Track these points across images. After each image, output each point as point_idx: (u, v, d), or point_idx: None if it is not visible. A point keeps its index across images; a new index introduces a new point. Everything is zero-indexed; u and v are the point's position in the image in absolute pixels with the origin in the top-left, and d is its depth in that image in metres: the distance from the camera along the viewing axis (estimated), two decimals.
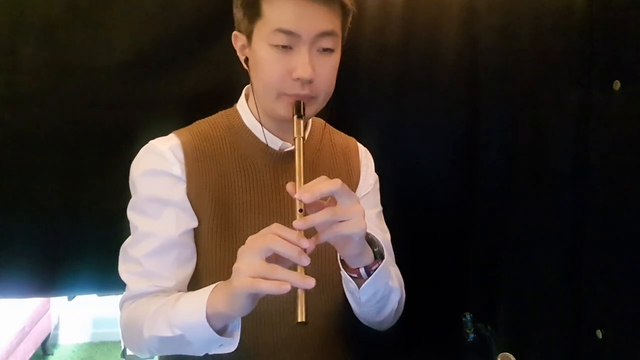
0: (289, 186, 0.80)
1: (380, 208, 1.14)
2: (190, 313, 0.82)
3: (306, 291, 0.73)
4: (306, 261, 0.74)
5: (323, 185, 0.78)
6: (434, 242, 1.38)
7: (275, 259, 0.76)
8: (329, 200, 0.82)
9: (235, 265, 0.76)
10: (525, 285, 1.26)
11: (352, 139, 1.17)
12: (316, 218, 0.77)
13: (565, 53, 1.20)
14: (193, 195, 0.96)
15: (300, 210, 0.78)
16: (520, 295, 1.28)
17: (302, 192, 0.77)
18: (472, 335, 1.03)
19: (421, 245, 1.32)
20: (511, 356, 0.95)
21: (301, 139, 0.86)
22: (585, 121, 1.14)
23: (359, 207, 0.80)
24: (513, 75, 1.31)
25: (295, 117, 0.89)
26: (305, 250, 0.74)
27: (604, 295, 1.07)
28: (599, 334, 1.06)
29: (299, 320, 0.72)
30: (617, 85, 1.04)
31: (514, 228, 1.31)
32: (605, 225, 1.08)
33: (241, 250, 0.77)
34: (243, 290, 0.74)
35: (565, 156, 1.19)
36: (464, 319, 1.04)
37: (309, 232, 0.77)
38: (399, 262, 1.11)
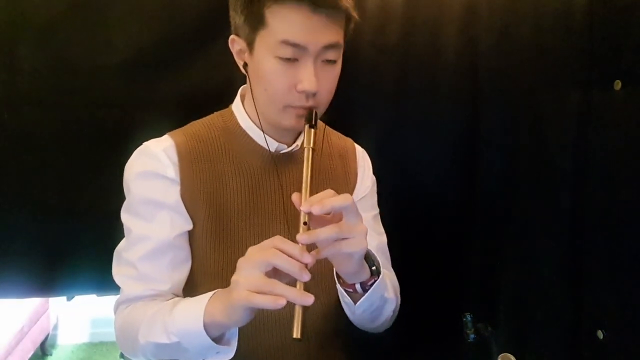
0: (294, 197, 0.79)
1: (377, 211, 1.13)
2: (188, 320, 0.82)
3: (304, 307, 0.72)
4: (307, 277, 0.73)
5: (335, 200, 0.77)
6: (434, 242, 1.38)
7: (275, 271, 0.75)
8: (332, 215, 0.81)
9: (234, 277, 0.76)
10: (526, 286, 1.26)
11: (350, 140, 1.15)
12: (321, 234, 0.76)
13: (565, 53, 1.19)
14: (187, 198, 0.95)
15: (305, 223, 0.76)
16: (520, 296, 1.28)
17: (311, 204, 0.76)
18: (472, 336, 1.03)
19: (421, 246, 1.32)
20: (511, 357, 0.95)
21: (311, 149, 0.84)
22: (585, 121, 1.14)
23: (363, 227, 0.79)
24: (513, 75, 1.31)
25: (306, 126, 0.88)
26: (306, 265, 0.73)
27: (604, 296, 1.06)
28: (600, 334, 1.05)
29: (295, 336, 0.71)
30: (618, 85, 1.04)
31: (514, 228, 1.30)
32: (606, 225, 1.08)
33: (241, 262, 0.76)
34: (240, 303, 0.74)
35: (566, 156, 1.19)
36: (464, 319, 1.04)
37: (309, 246, 0.76)
38: (399, 263, 1.10)
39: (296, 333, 0.71)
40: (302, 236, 0.75)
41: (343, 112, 1.15)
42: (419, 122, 1.39)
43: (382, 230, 1.12)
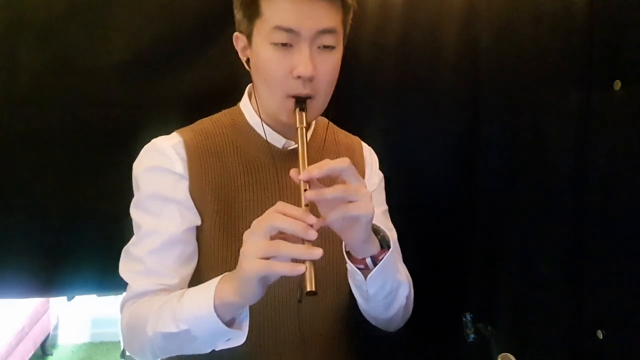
0: (292, 171, 0.79)
1: (385, 207, 1.14)
2: (197, 305, 0.81)
3: (314, 262, 0.72)
4: (313, 235, 0.72)
5: (333, 162, 0.77)
6: (434, 242, 1.38)
7: (281, 239, 0.74)
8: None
9: (241, 249, 0.75)
10: (526, 286, 1.26)
11: (356, 138, 1.16)
12: (327, 192, 0.76)
13: (565, 53, 1.20)
14: (196, 194, 0.96)
15: (305, 190, 0.77)
16: (520, 296, 1.28)
17: (310, 171, 0.77)
18: (472, 336, 1.02)
19: (421, 245, 1.31)
20: (511, 356, 0.95)
21: (303, 128, 0.86)
22: (585, 121, 1.14)
23: (366, 190, 0.80)
24: (513, 75, 1.31)
25: (297, 110, 0.90)
26: (312, 226, 0.73)
27: (604, 296, 1.06)
28: (600, 334, 1.06)
29: (309, 289, 0.71)
30: (617, 85, 1.04)
31: (514, 228, 1.30)
32: (606, 225, 1.08)
33: (247, 234, 0.76)
34: (253, 273, 0.73)
35: (566, 156, 1.19)
36: (464, 319, 1.04)
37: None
38: None
39: (310, 286, 0.71)
40: (310, 192, 0.75)
41: (344, 112, 1.15)
42: (418, 122, 1.38)
43: (392, 226, 1.13)
